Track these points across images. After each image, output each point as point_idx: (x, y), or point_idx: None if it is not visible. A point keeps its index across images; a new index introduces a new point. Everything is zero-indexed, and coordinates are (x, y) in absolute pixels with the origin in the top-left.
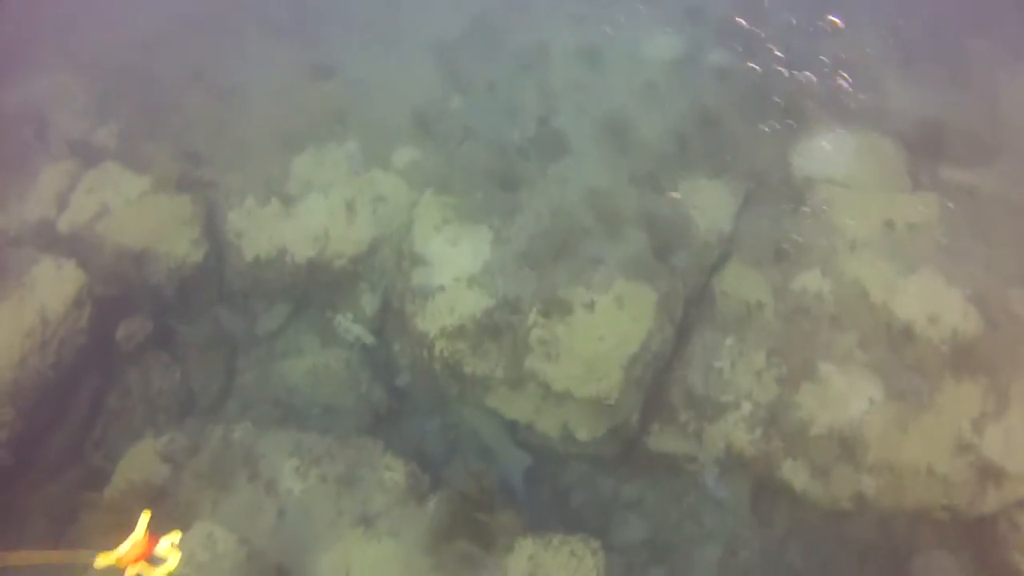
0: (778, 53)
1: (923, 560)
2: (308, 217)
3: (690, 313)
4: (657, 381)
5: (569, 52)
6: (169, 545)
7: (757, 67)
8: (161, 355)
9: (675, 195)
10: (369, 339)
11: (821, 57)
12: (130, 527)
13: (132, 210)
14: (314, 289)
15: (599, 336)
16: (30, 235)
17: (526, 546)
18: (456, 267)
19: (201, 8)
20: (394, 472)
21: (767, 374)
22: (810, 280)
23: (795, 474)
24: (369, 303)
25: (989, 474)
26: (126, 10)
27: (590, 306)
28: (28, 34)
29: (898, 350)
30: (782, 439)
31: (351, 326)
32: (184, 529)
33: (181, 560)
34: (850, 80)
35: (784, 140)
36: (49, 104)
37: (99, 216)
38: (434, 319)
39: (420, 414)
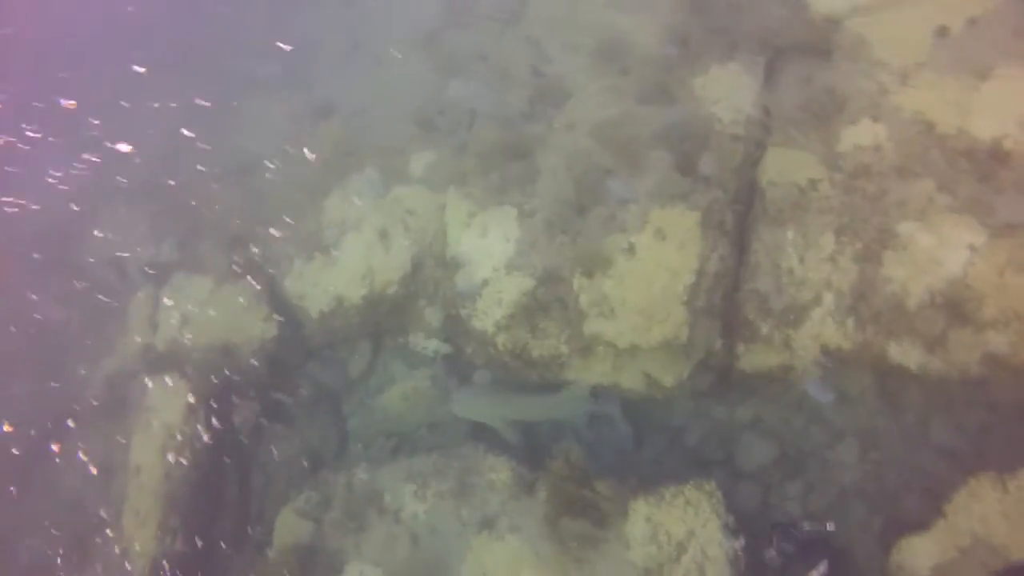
0: None
1: None
2: (350, 259)
3: (741, 219)
4: (729, 300)
5: None
6: None
7: None
8: (277, 427)
9: (690, 96)
10: (445, 349)
11: None
12: None
13: (206, 310)
14: (383, 320)
15: (647, 279)
16: (139, 364)
17: (639, 508)
18: (492, 257)
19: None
20: (499, 472)
21: (841, 256)
22: (861, 134)
23: (906, 355)
24: (433, 316)
25: None
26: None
27: (630, 250)
28: None
29: (990, 178)
30: (878, 322)
31: (426, 342)
32: (337, 574)
33: None
34: None
35: None
36: (116, 243)
37: (183, 326)
38: (487, 316)
39: None
